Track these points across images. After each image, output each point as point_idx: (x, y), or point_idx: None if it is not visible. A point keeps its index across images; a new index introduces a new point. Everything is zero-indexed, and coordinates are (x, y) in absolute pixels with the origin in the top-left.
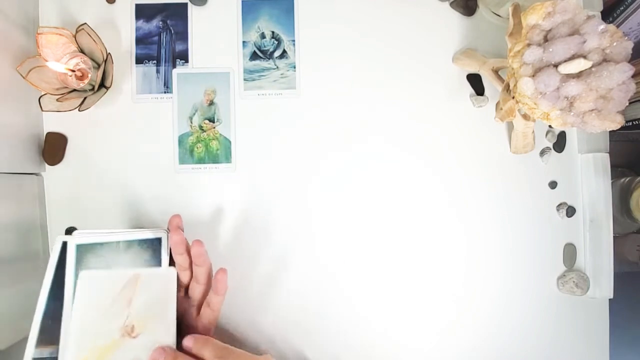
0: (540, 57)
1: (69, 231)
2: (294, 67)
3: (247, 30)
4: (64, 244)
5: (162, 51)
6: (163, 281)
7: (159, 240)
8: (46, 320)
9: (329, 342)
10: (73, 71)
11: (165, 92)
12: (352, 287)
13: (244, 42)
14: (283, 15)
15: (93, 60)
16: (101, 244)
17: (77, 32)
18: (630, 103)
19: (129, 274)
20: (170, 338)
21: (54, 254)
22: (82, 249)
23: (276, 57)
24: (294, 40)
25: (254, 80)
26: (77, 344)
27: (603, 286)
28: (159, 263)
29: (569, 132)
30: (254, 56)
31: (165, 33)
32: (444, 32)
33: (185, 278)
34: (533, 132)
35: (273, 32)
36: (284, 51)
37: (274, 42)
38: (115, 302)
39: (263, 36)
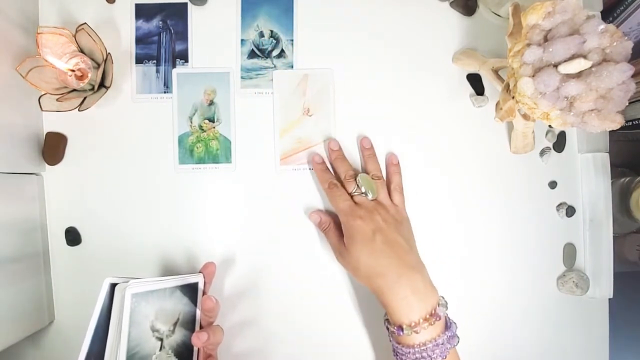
0: (540, 57)
1: (69, 231)
2: (292, 67)
3: (246, 28)
4: (112, 286)
5: (162, 51)
6: None
7: (196, 283)
8: None
9: (330, 338)
10: (73, 71)
11: (165, 92)
12: (351, 285)
13: (242, 40)
14: (282, 14)
15: (93, 60)
16: (152, 291)
17: (77, 31)
18: (630, 103)
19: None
20: None
21: (101, 296)
22: (136, 297)
23: (274, 57)
24: (292, 40)
25: (251, 78)
26: None
27: (603, 286)
28: (195, 305)
29: (568, 132)
30: (251, 55)
31: (165, 33)
32: (444, 32)
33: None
34: (533, 132)
35: (272, 31)
36: (282, 50)
37: (272, 41)
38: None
39: (262, 35)
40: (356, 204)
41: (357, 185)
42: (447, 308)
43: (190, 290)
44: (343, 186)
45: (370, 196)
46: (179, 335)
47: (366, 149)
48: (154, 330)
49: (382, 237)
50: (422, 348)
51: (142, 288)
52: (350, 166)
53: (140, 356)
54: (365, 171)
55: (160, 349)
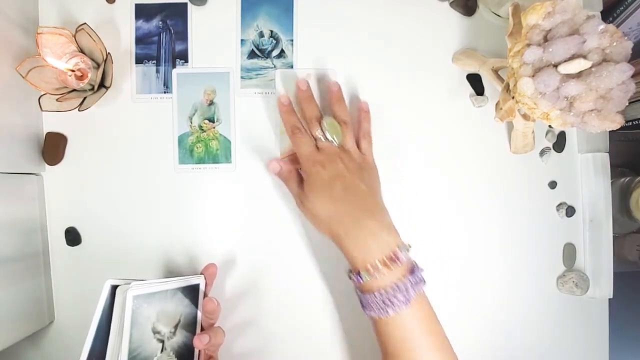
0: (540, 57)
1: (69, 231)
2: (292, 67)
3: (246, 28)
4: (113, 288)
5: (162, 51)
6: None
7: (197, 285)
8: None
9: (330, 338)
10: (73, 71)
11: (165, 92)
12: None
13: (242, 40)
14: (282, 14)
15: (93, 60)
16: (154, 293)
17: (76, 31)
18: (630, 103)
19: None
20: None
21: (102, 298)
22: (137, 299)
23: (274, 57)
24: (292, 40)
25: (251, 78)
26: None
27: (603, 286)
28: (196, 306)
29: (568, 132)
30: (251, 55)
31: (165, 33)
32: (444, 32)
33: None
34: (533, 132)
35: (272, 31)
36: (282, 50)
37: (272, 41)
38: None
39: (261, 35)
40: (319, 150)
41: (322, 130)
42: (409, 251)
43: (192, 292)
44: (309, 131)
45: (335, 142)
46: (180, 337)
47: (333, 91)
48: (155, 332)
49: (341, 184)
50: (382, 292)
51: (144, 290)
52: (317, 108)
53: (141, 358)
54: (332, 116)
55: (162, 351)
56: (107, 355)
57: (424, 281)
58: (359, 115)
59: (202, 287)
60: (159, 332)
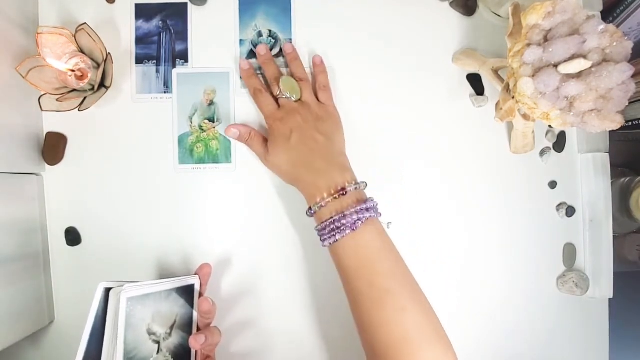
0: (540, 57)
1: (69, 231)
2: None
3: (244, 28)
4: (107, 291)
5: (162, 51)
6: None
7: (192, 285)
8: None
9: (329, 338)
10: (73, 71)
11: (165, 92)
12: None
13: (241, 40)
14: (280, 14)
15: (93, 60)
16: (148, 295)
17: (76, 31)
18: (630, 103)
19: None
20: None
21: (96, 301)
22: (131, 301)
23: (273, 56)
24: (290, 39)
25: None
26: None
27: (603, 286)
28: (192, 307)
29: (568, 132)
30: (251, 55)
31: (165, 33)
32: (444, 32)
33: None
34: (533, 132)
35: (270, 31)
36: (281, 50)
37: (270, 41)
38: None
39: (260, 35)
40: (280, 107)
41: (279, 88)
42: (362, 188)
43: (187, 293)
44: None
45: (293, 98)
46: (176, 338)
47: (288, 53)
48: (150, 333)
49: (298, 134)
50: (329, 220)
51: (137, 292)
52: (277, 70)
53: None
54: (290, 74)
55: (158, 352)
56: (102, 359)
57: (376, 210)
58: (314, 70)
59: (197, 287)
60: (154, 334)
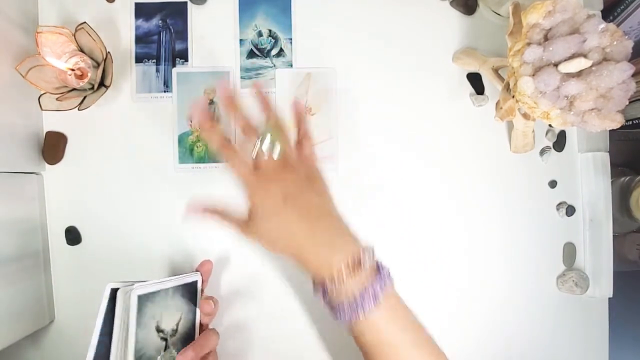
0: (540, 56)
1: (69, 230)
2: (291, 66)
3: (244, 28)
4: (113, 291)
5: (162, 50)
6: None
7: (195, 282)
8: None
9: (328, 338)
10: (73, 70)
11: (165, 91)
12: None
13: (241, 40)
14: (280, 13)
15: (92, 59)
16: (156, 292)
17: (76, 31)
18: (630, 102)
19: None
20: None
21: (104, 300)
22: (141, 299)
23: (273, 56)
24: (290, 39)
25: (250, 78)
26: None
27: (602, 285)
28: (195, 304)
29: (569, 131)
30: (250, 54)
31: (164, 32)
32: (444, 31)
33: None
34: (533, 131)
35: (270, 31)
36: (281, 49)
37: (270, 41)
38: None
39: (260, 34)
40: (257, 169)
41: (260, 140)
42: (373, 253)
43: (190, 290)
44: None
45: (276, 153)
46: (181, 334)
47: (261, 96)
48: (159, 330)
49: (291, 203)
50: (350, 298)
51: (147, 289)
52: (246, 116)
53: (146, 357)
54: (266, 122)
55: (165, 349)
56: (111, 357)
57: (391, 279)
58: (295, 117)
59: (199, 285)
60: (162, 331)
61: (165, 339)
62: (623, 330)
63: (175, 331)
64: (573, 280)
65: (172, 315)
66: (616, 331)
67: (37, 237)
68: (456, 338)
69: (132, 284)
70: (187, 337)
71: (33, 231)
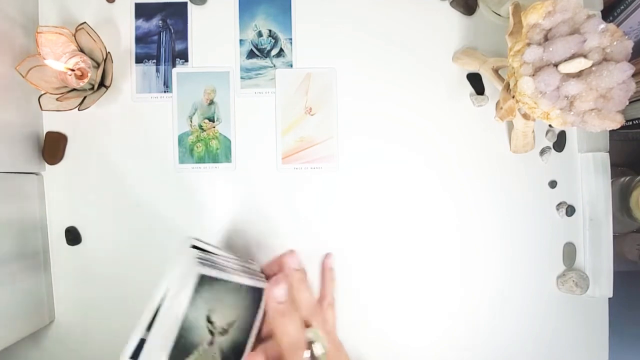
0: (540, 56)
1: (69, 230)
2: (291, 66)
3: (244, 28)
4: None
5: (162, 50)
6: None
7: (261, 290)
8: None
9: None
10: (73, 70)
11: (165, 92)
12: (351, 284)
13: (241, 40)
14: (280, 13)
15: (93, 59)
16: (219, 280)
17: (76, 31)
18: (630, 102)
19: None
20: None
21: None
22: (202, 281)
23: (273, 56)
24: (291, 39)
25: (250, 78)
26: None
27: (603, 285)
28: (256, 312)
29: (569, 131)
30: (250, 54)
31: (165, 32)
32: (444, 31)
33: None
34: (533, 131)
35: (270, 31)
36: (281, 49)
37: (270, 41)
38: None
39: (260, 34)
40: None
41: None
42: None
43: (256, 295)
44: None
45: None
46: (230, 338)
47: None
48: (209, 321)
49: None
50: None
51: (211, 272)
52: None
53: (187, 342)
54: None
55: (210, 345)
56: (157, 319)
57: None
58: (323, 277)
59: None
60: (212, 323)
61: (212, 333)
62: (623, 330)
63: (225, 331)
64: (573, 281)
65: (227, 312)
66: (616, 331)
67: (37, 237)
68: (456, 338)
69: (207, 253)
70: (236, 348)
71: (33, 231)
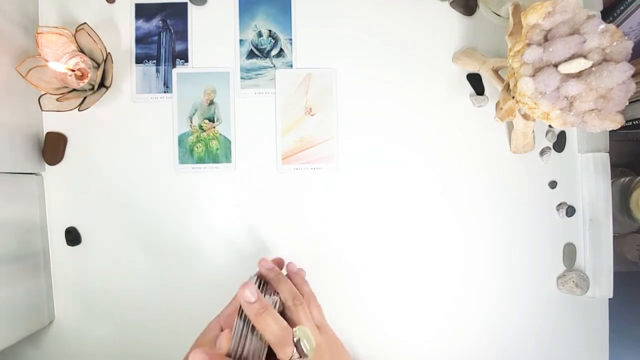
0: (540, 57)
1: (69, 231)
2: (291, 66)
3: (244, 28)
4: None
5: (162, 51)
6: None
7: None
8: None
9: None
10: (73, 71)
11: (165, 92)
12: (351, 285)
13: (241, 40)
14: (280, 14)
15: (93, 59)
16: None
17: (76, 31)
18: (630, 103)
19: None
20: None
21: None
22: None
23: (273, 56)
24: (290, 39)
25: (250, 79)
26: None
27: (603, 286)
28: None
29: (569, 131)
30: (250, 55)
31: (165, 33)
32: (444, 32)
33: None
34: (533, 131)
35: (270, 31)
36: (281, 50)
37: (270, 41)
38: None
39: (260, 35)
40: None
41: (296, 343)
42: None
43: None
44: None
45: (310, 354)
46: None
47: (293, 271)
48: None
49: None
50: None
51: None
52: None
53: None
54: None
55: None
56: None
57: None
58: (294, 280)
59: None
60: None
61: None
62: (623, 330)
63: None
64: (573, 281)
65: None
66: (616, 331)
67: (37, 237)
68: (457, 338)
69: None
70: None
71: (33, 231)
